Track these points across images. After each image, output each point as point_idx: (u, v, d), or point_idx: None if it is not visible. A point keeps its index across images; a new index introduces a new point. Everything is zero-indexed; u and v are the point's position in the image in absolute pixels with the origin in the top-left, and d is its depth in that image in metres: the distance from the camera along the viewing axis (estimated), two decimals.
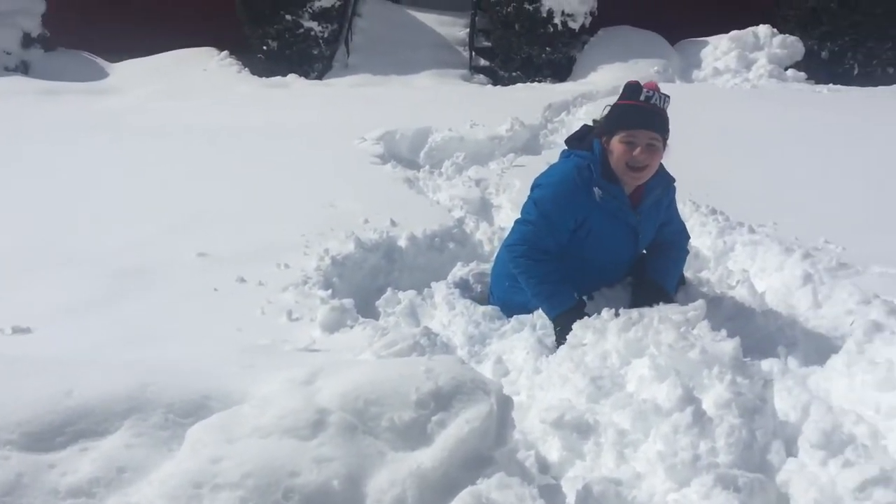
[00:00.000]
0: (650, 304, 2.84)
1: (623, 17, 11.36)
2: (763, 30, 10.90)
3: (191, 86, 10.33)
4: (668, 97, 3.13)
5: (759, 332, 3.07)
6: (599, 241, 3.11)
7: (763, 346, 2.94)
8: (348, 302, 3.19)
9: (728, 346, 2.29)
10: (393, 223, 4.32)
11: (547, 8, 10.78)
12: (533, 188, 3.26)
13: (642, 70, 10.30)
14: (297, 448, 1.71)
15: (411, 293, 3.57)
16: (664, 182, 3.28)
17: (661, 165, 3.23)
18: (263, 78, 11.02)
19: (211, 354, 2.34)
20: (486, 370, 2.78)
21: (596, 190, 3.06)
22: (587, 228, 3.09)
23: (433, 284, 3.63)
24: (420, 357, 2.30)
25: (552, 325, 2.96)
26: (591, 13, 11.12)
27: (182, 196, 5.03)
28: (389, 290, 3.60)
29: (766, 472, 1.98)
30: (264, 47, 11.70)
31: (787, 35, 10.83)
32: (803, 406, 2.30)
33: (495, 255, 3.70)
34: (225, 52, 11.80)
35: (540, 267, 3.05)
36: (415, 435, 1.80)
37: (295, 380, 1.89)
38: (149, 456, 1.73)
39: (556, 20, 10.86)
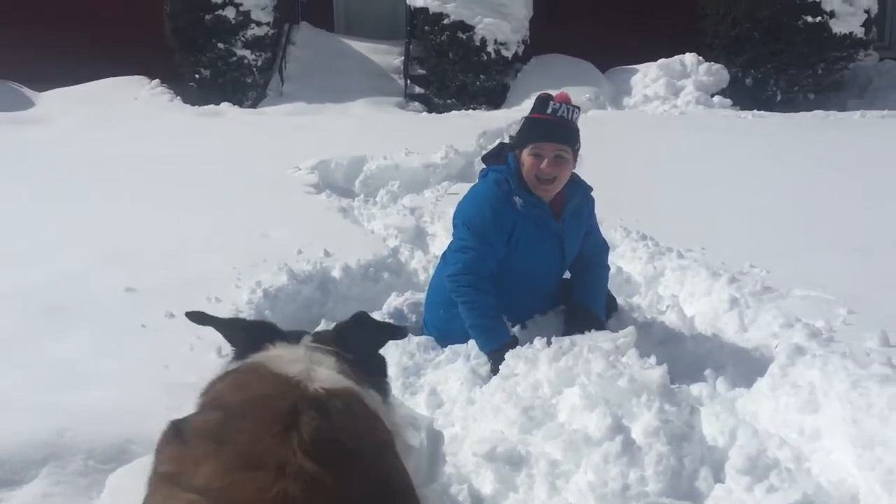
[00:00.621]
0: (583, 331, 2.88)
1: (554, 45, 11.58)
2: (690, 58, 11.22)
3: (121, 115, 10.13)
4: (578, 109, 3.22)
5: (688, 357, 3.13)
6: (528, 251, 3.17)
7: (692, 371, 3.00)
8: None
9: (656, 373, 2.32)
10: (327, 253, 4.29)
11: (480, 36, 10.91)
12: (457, 214, 3.29)
13: (574, 97, 10.36)
14: None
15: None
16: (581, 190, 3.36)
17: (577, 175, 3.31)
18: (196, 107, 10.87)
19: (135, 395, 2.26)
20: (421, 401, 2.77)
21: (517, 199, 3.13)
22: (515, 239, 3.15)
23: None
24: None
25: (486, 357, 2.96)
26: (524, 42, 11.30)
27: (110, 228, 4.90)
28: (323, 321, 3.57)
29: (695, 500, 2.01)
30: (196, 76, 11.56)
31: (712, 63, 11.17)
32: (730, 430, 2.35)
33: (429, 284, 3.72)
34: (156, 81, 11.63)
35: (483, 299, 3.07)
36: None
37: None
38: None
39: (490, 48, 10.99)
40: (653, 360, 2.47)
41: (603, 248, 3.50)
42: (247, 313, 3.44)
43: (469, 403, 2.63)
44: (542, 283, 3.28)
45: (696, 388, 2.80)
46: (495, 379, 2.64)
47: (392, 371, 3.04)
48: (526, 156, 3.15)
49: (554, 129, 3.13)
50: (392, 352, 3.20)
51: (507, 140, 3.49)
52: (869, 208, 5.19)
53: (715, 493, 2.03)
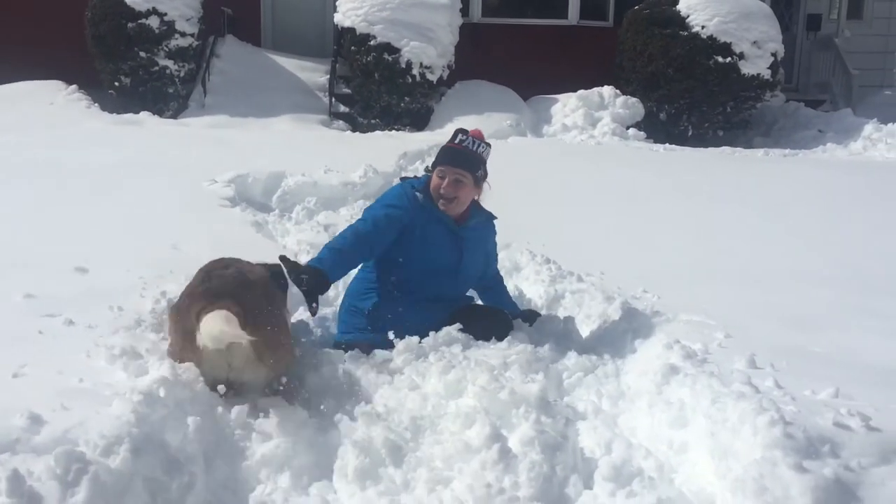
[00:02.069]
0: (499, 328, 3.30)
1: (479, 71, 11.81)
2: (607, 91, 11.59)
3: (34, 120, 9.88)
4: (488, 145, 3.74)
5: (577, 374, 3.28)
6: (427, 242, 3.53)
7: (580, 387, 3.15)
8: None
9: (535, 387, 2.46)
10: None
11: (406, 59, 11.06)
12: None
13: (496, 123, 10.72)
14: None
15: None
16: (485, 215, 3.84)
17: (481, 205, 3.81)
18: (114, 114, 10.68)
19: (23, 398, 2.27)
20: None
21: (418, 194, 3.57)
22: (412, 233, 3.52)
23: None
24: None
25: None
26: (449, 66, 11.49)
27: (15, 234, 4.82)
28: None
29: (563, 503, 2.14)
30: (116, 83, 11.37)
31: (629, 97, 11.56)
32: (606, 443, 2.49)
33: (340, 300, 3.88)
34: (73, 87, 11.38)
35: (343, 233, 3.51)
36: None
37: None
38: None
39: (415, 71, 11.14)
40: (535, 375, 2.60)
41: (500, 277, 4.06)
42: (148, 322, 3.44)
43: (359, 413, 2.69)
44: (444, 283, 3.59)
45: (581, 405, 2.94)
46: (389, 390, 2.75)
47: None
48: (434, 176, 3.66)
49: (457, 155, 3.64)
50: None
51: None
52: (760, 241, 5.49)
53: (582, 498, 2.17)
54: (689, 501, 2.15)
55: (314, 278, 3.13)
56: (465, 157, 3.62)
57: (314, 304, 3.12)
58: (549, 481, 2.16)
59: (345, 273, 3.57)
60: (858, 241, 5.51)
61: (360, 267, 3.72)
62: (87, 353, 2.93)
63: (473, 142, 3.66)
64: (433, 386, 2.57)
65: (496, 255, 3.98)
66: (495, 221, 3.90)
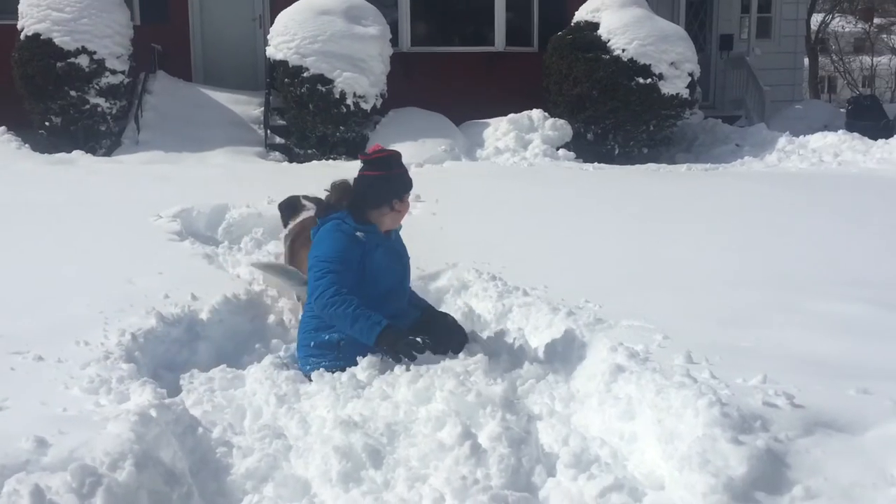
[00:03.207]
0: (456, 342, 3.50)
1: (411, 99, 12.10)
2: (536, 114, 11.99)
3: None
4: None
5: (531, 379, 3.51)
6: (380, 271, 3.66)
7: (534, 391, 3.38)
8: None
9: (499, 388, 2.69)
10: (194, 297, 4.44)
11: (340, 90, 11.27)
12: (311, 258, 3.69)
13: (430, 148, 11.00)
14: None
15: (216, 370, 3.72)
16: None
17: None
18: (46, 154, 10.59)
19: (19, 426, 2.38)
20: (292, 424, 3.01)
21: (359, 234, 3.62)
22: (363, 266, 3.62)
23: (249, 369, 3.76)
24: None
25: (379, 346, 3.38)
26: (382, 95, 11.74)
27: None
28: (195, 370, 3.73)
29: (531, 491, 2.36)
30: (46, 123, 11.28)
31: (557, 119, 11.97)
32: (563, 438, 2.73)
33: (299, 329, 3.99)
34: (2, 128, 11.24)
35: (352, 301, 3.45)
36: None
37: None
38: None
39: (349, 101, 11.36)
40: (497, 378, 2.82)
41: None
42: (116, 355, 3.54)
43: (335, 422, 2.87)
44: (399, 294, 3.80)
45: (536, 408, 3.17)
46: (368, 390, 2.95)
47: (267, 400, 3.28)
48: (396, 206, 3.73)
49: (409, 179, 3.81)
50: (263, 386, 3.44)
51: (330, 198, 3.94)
52: (690, 250, 5.85)
53: (547, 485, 2.39)
54: (638, 481, 2.39)
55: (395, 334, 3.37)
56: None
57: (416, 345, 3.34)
58: (517, 472, 2.38)
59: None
60: (779, 245, 5.91)
61: (307, 308, 3.76)
62: (65, 385, 3.05)
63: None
64: (403, 394, 2.77)
65: None
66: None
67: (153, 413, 2.45)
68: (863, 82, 40.32)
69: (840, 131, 12.26)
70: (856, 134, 12.00)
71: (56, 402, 2.79)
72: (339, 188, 3.87)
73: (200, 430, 2.80)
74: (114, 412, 2.53)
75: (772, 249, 5.77)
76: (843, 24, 38.84)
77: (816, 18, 33.08)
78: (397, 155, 3.80)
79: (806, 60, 30.81)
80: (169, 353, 3.95)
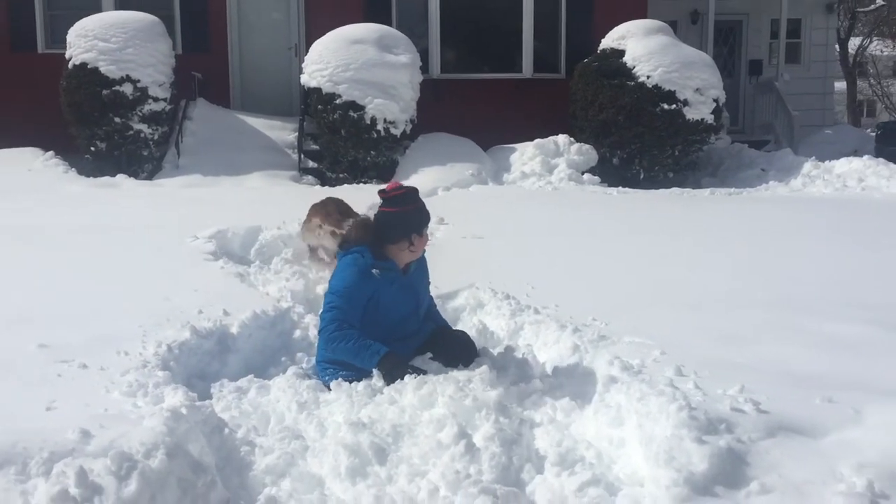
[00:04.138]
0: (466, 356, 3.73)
1: (440, 124, 12.45)
2: (562, 139, 12.24)
3: (15, 186, 10.26)
4: None
5: (536, 390, 3.75)
6: (391, 306, 3.88)
7: (538, 403, 3.62)
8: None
9: (494, 394, 2.95)
10: (226, 313, 4.76)
11: (371, 115, 11.65)
12: (328, 290, 3.97)
13: (458, 172, 11.32)
14: None
15: (244, 380, 4.04)
16: None
17: None
18: (91, 178, 11.10)
19: (66, 421, 2.69)
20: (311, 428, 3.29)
21: (374, 271, 3.83)
22: (377, 300, 3.84)
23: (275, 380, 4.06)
24: None
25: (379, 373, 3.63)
26: (412, 121, 12.10)
27: (15, 293, 5.21)
28: (225, 380, 4.05)
29: (519, 486, 2.61)
30: (92, 148, 11.82)
31: (582, 143, 12.21)
32: (557, 442, 2.97)
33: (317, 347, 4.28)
34: (50, 153, 11.80)
35: (349, 334, 3.72)
36: None
37: None
38: None
39: (380, 126, 11.73)
40: (495, 384, 3.08)
41: (432, 300, 4.43)
42: (153, 364, 3.86)
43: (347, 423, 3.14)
44: (409, 324, 4.00)
45: (538, 416, 3.41)
46: (378, 397, 3.22)
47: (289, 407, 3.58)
48: (415, 241, 3.92)
49: (427, 215, 4.02)
50: (286, 394, 3.74)
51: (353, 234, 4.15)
52: (699, 270, 6.05)
53: (535, 481, 2.64)
54: (621, 481, 2.63)
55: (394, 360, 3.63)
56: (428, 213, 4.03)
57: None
58: (507, 469, 2.64)
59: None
60: (787, 267, 6.08)
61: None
62: (106, 389, 3.36)
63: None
64: (409, 400, 3.04)
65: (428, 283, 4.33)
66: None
67: (184, 411, 2.75)
68: None
69: (866, 156, 12.33)
70: (881, 159, 12.06)
71: (98, 404, 3.10)
72: (359, 225, 4.10)
73: (227, 430, 3.09)
74: (149, 411, 2.83)
75: (779, 271, 5.95)
76: (881, 48, 38.63)
77: (854, 42, 32.99)
78: (413, 191, 3.97)
79: (844, 84, 30.77)
80: (201, 363, 4.26)
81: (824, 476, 2.33)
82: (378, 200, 4.07)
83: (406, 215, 3.92)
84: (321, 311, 3.99)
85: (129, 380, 3.44)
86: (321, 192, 10.82)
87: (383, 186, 4.09)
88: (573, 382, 3.78)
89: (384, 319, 3.88)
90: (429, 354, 3.91)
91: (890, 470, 2.35)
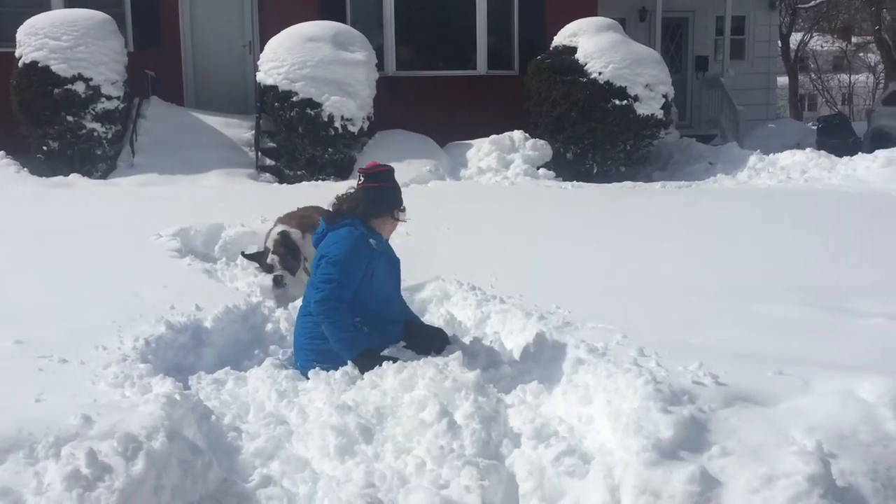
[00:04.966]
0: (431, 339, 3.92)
1: (397, 121, 12.57)
2: (517, 135, 12.45)
3: None
4: None
5: (506, 375, 3.93)
6: (384, 275, 4.09)
7: (508, 385, 3.80)
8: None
9: (472, 375, 3.13)
10: (198, 308, 4.85)
11: (328, 113, 11.72)
12: (323, 255, 4.02)
13: (416, 169, 11.44)
14: None
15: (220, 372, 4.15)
16: None
17: None
18: (44, 178, 10.95)
19: (61, 411, 2.78)
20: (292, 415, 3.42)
21: (371, 241, 4.03)
22: (372, 270, 4.01)
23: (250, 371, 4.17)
24: None
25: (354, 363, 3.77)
26: (369, 118, 12.19)
27: None
28: (201, 372, 4.16)
29: (499, 459, 2.81)
30: (44, 147, 11.66)
31: (537, 139, 12.44)
32: (530, 419, 3.16)
33: (294, 330, 4.38)
34: (1, 153, 11.61)
35: (344, 318, 3.87)
36: None
37: None
38: None
39: (337, 124, 11.80)
40: (472, 366, 3.26)
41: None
42: (133, 357, 3.94)
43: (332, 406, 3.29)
44: (396, 298, 4.25)
45: (509, 399, 3.59)
46: (359, 382, 3.37)
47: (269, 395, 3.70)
48: (396, 216, 4.20)
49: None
50: (264, 384, 3.86)
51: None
52: (654, 260, 6.31)
53: (513, 454, 2.83)
54: (589, 451, 2.83)
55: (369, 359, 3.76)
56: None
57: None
58: (486, 444, 2.82)
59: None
60: (736, 256, 6.39)
61: (305, 310, 4.11)
62: (91, 381, 3.45)
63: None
64: (390, 383, 3.19)
65: None
66: None
67: (177, 397, 2.87)
68: (842, 100, 41.22)
69: (808, 149, 12.80)
70: (822, 152, 12.54)
71: (86, 395, 3.20)
72: (347, 198, 4.23)
73: (213, 417, 3.21)
74: (141, 400, 2.94)
75: (729, 259, 6.25)
76: (821, 44, 39.76)
77: (796, 38, 33.92)
78: (392, 169, 4.28)
79: (786, 79, 31.65)
80: (177, 357, 4.36)
81: (778, 439, 2.55)
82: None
83: (388, 189, 4.16)
84: (315, 278, 4.02)
85: (114, 372, 3.53)
86: (279, 190, 10.92)
87: (344, 183, 4.33)
88: (540, 366, 3.98)
89: (376, 296, 4.05)
90: (402, 343, 4.07)
91: (836, 432, 2.59)
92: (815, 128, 18.61)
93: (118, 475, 2.27)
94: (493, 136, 12.38)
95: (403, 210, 4.21)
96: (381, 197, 4.13)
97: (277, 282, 5.76)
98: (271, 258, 5.88)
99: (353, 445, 2.89)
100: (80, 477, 2.24)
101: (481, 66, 14.38)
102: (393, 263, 4.27)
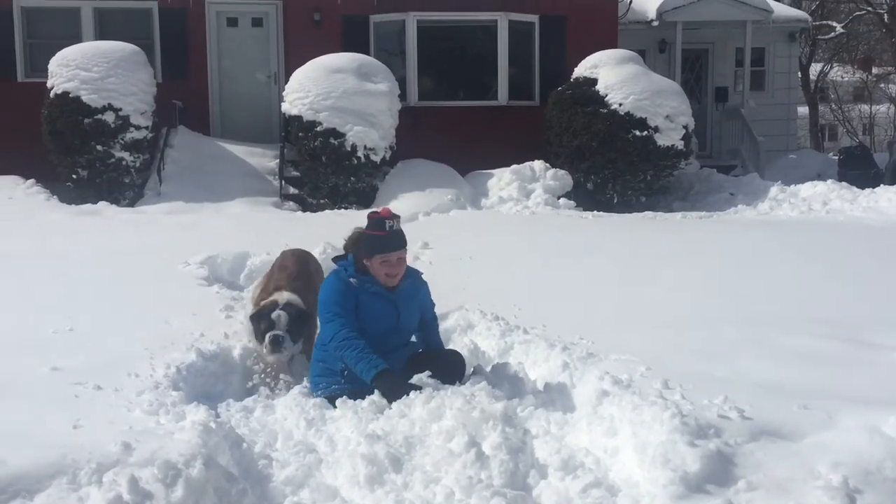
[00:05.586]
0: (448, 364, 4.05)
1: (418, 151, 12.70)
2: (538, 165, 12.57)
3: None
4: (399, 217, 4.38)
5: (530, 405, 3.98)
6: (369, 315, 4.20)
7: (532, 417, 3.85)
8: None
9: (499, 406, 3.18)
10: (226, 336, 4.94)
11: (351, 143, 11.89)
12: (318, 304, 4.34)
13: (437, 198, 11.56)
14: None
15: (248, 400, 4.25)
16: (413, 274, 4.54)
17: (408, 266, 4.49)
18: (73, 205, 11.18)
19: (101, 438, 2.86)
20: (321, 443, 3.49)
21: (352, 280, 4.19)
22: (357, 307, 4.19)
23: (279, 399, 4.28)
24: None
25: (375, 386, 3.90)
26: (391, 147, 12.35)
27: (19, 318, 5.33)
28: (230, 400, 4.25)
29: (526, 490, 2.84)
30: (74, 176, 11.89)
31: (558, 169, 12.54)
32: (556, 450, 3.20)
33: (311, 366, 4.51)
34: (31, 181, 11.86)
35: (359, 343, 4.04)
36: None
37: None
38: None
39: (360, 153, 11.96)
40: (498, 397, 3.32)
41: (434, 320, 4.77)
42: (165, 385, 4.03)
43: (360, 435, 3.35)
44: (390, 339, 4.30)
45: (534, 429, 3.64)
46: (387, 411, 3.44)
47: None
48: (377, 263, 4.24)
49: (394, 241, 4.28)
50: (293, 412, 3.93)
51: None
52: (676, 291, 6.34)
53: (540, 485, 2.87)
54: (616, 483, 2.86)
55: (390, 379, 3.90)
56: (399, 239, 4.28)
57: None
58: (514, 474, 2.86)
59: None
60: (757, 287, 6.40)
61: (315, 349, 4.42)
62: (127, 409, 3.53)
63: (396, 222, 4.29)
64: (418, 413, 3.25)
65: (431, 302, 4.66)
66: (422, 276, 4.63)
67: (213, 425, 2.94)
68: (863, 130, 41.04)
69: (829, 181, 12.80)
70: (844, 183, 12.53)
71: (122, 421, 3.28)
72: (352, 237, 4.49)
73: (244, 445, 3.28)
74: (177, 427, 3.02)
75: (750, 291, 6.26)
76: (842, 74, 39.72)
77: (816, 68, 33.93)
78: (380, 220, 4.26)
79: (806, 110, 31.63)
80: (207, 384, 4.44)
81: (804, 474, 2.59)
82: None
83: (368, 238, 4.30)
84: (321, 321, 4.31)
85: (148, 399, 3.62)
86: (302, 218, 11.06)
87: (367, 211, 4.56)
88: (564, 397, 4.02)
89: (369, 325, 4.20)
90: (427, 372, 4.13)
91: (863, 467, 2.62)
92: (836, 159, 18.58)
93: (158, 502, 2.35)
94: (514, 166, 12.49)
95: (385, 260, 4.23)
96: (362, 242, 4.30)
97: (276, 343, 4.60)
98: (277, 314, 4.68)
99: (383, 474, 2.95)
100: (122, 503, 2.31)
101: (502, 96, 14.54)
102: (389, 307, 4.29)
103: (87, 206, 11.11)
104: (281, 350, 4.57)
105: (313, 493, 3.04)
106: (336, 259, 4.53)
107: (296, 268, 5.29)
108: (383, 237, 4.24)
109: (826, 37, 29.94)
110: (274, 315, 4.63)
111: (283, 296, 4.79)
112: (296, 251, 5.75)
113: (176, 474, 2.47)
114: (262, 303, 4.84)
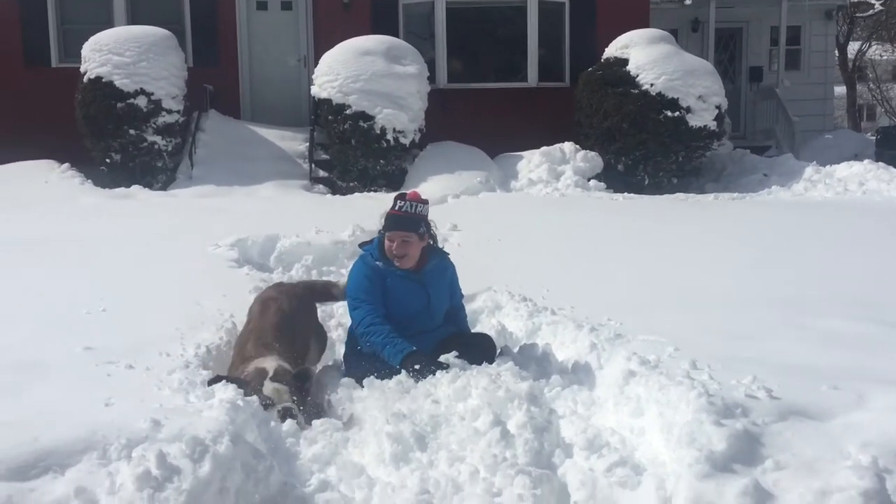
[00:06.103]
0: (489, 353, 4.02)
1: (448, 133, 12.67)
2: (568, 146, 12.47)
3: (33, 198, 10.49)
4: (424, 203, 4.36)
5: (557, 386, 3.97)
6: (398, 297, 4.21)
7: (559, 398, 3.84)
8: None
9: (524, 385, 3.18)
10: None
11: (380, 125, 11.89)
12: (346, 289, 4.41)
13: (466, 180, 11.54)
14: None
15: None
16: (440, 255, 4.53)
17: (437, 247, 4.55)
18: (107, 189, 11.33)
19: (131, 415, 2.92)
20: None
21: (378, 264, 4.21)
22: (385, 289, 4.21)
23: None
24: None
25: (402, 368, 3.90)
26: (420, 130, 12.33)
27: (49, 300, 5.42)
28: None
29: (551, 469, 2.85)
30: (107, 160, 12.05)
31: (588, 151, 12.44)
32: (582, 430, 3.19)
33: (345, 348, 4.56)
34: (66, 165, 12.04)
35: (384, 329, 4.05)
36: None
37: None
38: None
39: (389, 136, 11.97)
40: (524, 377, 3.32)
41: (461, 304, 4.76)
42: (195, 364, 4.08)
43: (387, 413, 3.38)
44: (422, 321, 4.31)
45: (560, 409, 3.63)
46: (413, 391, 3.46)
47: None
48: (386, 240, 4.29)
49: (399, 220, 4.27)
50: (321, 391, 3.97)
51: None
52: (705, 273, 6.28)
53: (565, 464, 2.87)
54: (641, 463, 2.86)
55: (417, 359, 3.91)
56: (406, 221, 4.25)
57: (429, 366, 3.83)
58: (539, 453, 2.86)
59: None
60: (789, 268, 6.32)
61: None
62: (157, 387, 3.59)
63: (411, 205, 4.27)
64: (444, 392, 3.26)
65: (458, 285, 4.65)
66: (450, 258, 4.61)
67: (240, 402, 2.98)
68: None
69: (867, 161, 12.56)
70: (881, 163, 12.29)
71: (153, 399, 3.33)
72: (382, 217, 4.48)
73: (273, 423, 3.32)
74: (205, 405, 3.07)
75: (782, 272, 6.18)
76: (880, 53, 38.85)
77: (853, 47, 33.22)
78: (397, 198, 4.33)
79: (843, 89, 31.01)
80: None
81: (833, 454, 2.56)
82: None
83: (385, 214, 4.36)
84: (349, 309, 4.33)
85: (178, 378, 3.67)
86: (332, 201, 11.11)
87: (393, 194, 4.56)
88: (591, 378, 4.00)
89: (394, 312, 4.21)
90: (454, 353, 4.14)
91: (892, 448, 2.58)
92: (873, 138, 18.23)
93: (186, 477, 2.39)
94: (544, 148, 12.41)
95: (388, 237, 4.26)
96: (384, 217, 4.37)
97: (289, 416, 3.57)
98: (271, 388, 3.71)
99: (408, 453, 2.97)
100: (151, 478, 2.36)
101: (532, 78, 14.44)
102: (415, 288, 4.30)
103: (121, 190, 11.26)
104: (296, 416, 3.61)
105: (340, 470, 3.07)
106: (362, 245, 4.56)
107: (276, 317, 4.49)
108: (392, 215, 4.29)
109: (864, 14, 29.29)
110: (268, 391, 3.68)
111: (269, 364, 3.90)
112: (264, 294, 4.93)
113: (203, 450, 2.51)
114: (246, 372, 3.91)
